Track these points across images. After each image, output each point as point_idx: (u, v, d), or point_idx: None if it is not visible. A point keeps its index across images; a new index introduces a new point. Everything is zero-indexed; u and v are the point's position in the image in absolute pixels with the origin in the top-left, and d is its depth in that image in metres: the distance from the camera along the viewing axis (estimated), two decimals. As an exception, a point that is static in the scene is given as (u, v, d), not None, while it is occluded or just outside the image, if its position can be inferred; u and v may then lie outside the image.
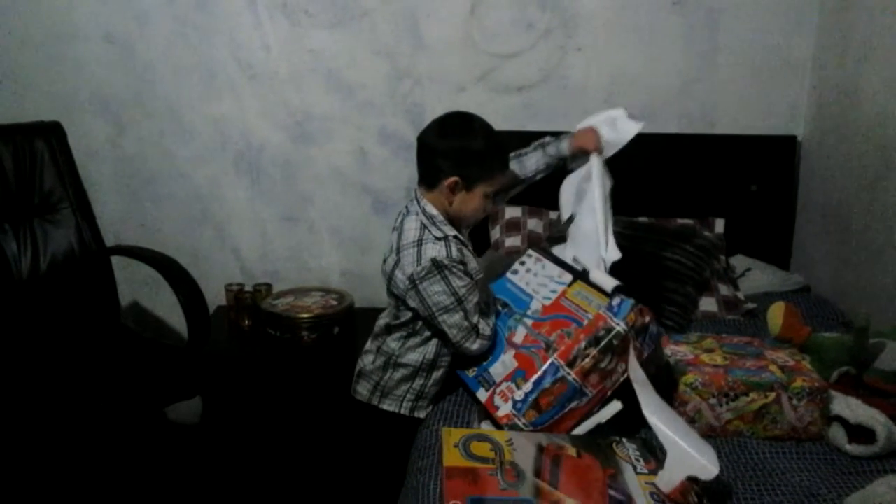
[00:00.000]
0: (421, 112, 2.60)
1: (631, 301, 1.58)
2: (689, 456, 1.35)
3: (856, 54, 2.28)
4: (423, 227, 1.71)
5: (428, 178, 1.74)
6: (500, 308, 1.85)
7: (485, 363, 1.73)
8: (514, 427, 1.52)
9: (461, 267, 1.69)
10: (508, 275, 1.95)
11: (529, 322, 1.73)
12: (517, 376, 1.60)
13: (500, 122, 2.56)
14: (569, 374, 1.52)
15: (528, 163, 1.95)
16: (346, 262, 2.77)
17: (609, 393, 1.55)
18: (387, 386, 1.82)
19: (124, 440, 2.25)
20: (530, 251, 1.97)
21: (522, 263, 1.95)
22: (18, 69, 2.57)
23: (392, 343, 1.81)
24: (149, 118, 2.62)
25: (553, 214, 2.51)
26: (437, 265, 1.66)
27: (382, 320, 1.87)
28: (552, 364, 1.55)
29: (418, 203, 1.75)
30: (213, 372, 2.38)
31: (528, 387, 1.55)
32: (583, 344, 1.54)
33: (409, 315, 1.77)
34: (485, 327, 1.72)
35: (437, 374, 1.81)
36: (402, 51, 2.55)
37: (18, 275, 2.28)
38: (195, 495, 2.33)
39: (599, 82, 2.58)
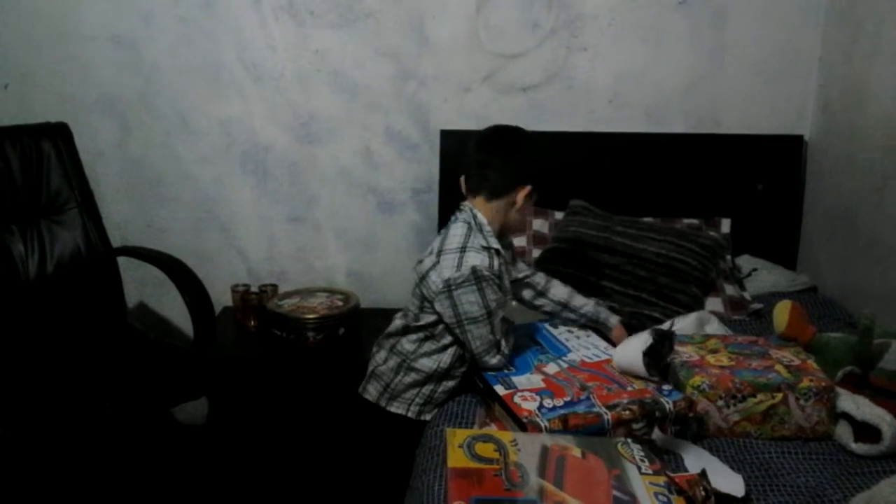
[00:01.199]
0: (426, 112, 2.60)
1: (682, 394, 1.59)
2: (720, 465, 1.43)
3: (863, 53, 2.27)
4: (470, 234, 1.72)
5: (493, 188, 1.76)
6: (529, 342, 1.88)
7: (507, 371, 1.74)
8: (533, 424, 1.50)
9: (497, 281, 1.71)
10: (547, 324, 1.98)
11: (565, 365, 1.75)
12: (543, 394, 1.61)
13: (505, 122, 2.58)
14: (605, 412, 1.52)
15: (579, 300, 1.97)
16: (351, 263, 2.77)
17: None
18: (396, 389, 1.82)
19: (131, 440, 2.26)
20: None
21: (564, 323, 1.99)
22: (25, 71, 2.57)
23: (407, 345, 1.81)
24: (155, 119, 2.63)
25: (558, 215, 2.51)
26: (476, 274, 1.67)
27: (400, 320, 1.86)
28: (589, 398, 1.57)
29: (470, 211, 1.76)
30: (220, 372, 2.39)
31: (559, 402, 1.56)
32: (625, 400, 1.56)
33: (431, 318, 1.77)
34: (505, 346, 1.74)
35: (448, 384, 1.81)
36: (407, 51, 2.55)
37: (25, 275, 2.29)
38: (202, 495, 2.34)
39: (605, 82, 2.58)
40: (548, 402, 1.56)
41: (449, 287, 1.68)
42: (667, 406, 1.54)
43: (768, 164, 2.58)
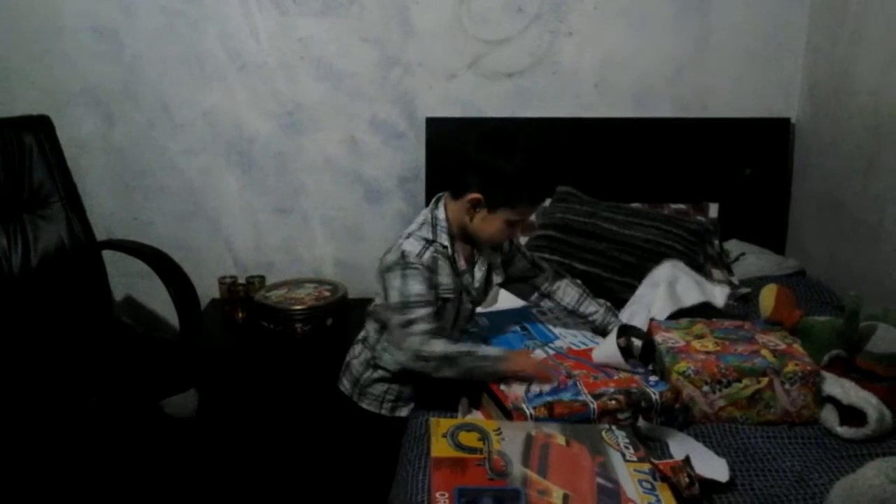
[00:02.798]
0: (411, 99, 2.58)
1: (668, 385, 1.58)
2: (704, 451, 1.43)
3: (849, 35, 2.26)
4: (423, 225, 1.69)
5: (454, 187, 1.70)
6: (518, 330, 1.85)
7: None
8: (518, 410, 1.49)
9: (426, 273, 1.63)
10: (535, 311, 1.96)
11: (551, 352, 1.72)
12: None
13: (491, 109, 2.59)
14: (591, 402, 1.50)
15: (589, 307, 1.90)
16: (339, 253, 2.76)
17: None
18: (365, 384, 1.80)
19: (119, 434, 2.25)
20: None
21: (552, 311, 1.96)
22: (5, 62, 2.55)
23: (374, 334, 1.79)
24: (139, 110, 2.60)
25: (545, 201, 2.49)
26: (402, 259, 1.63)
27: (370, 306, 1.84)
28: (575, 385, 1.55)
29: (435, 203, 1.72)
30: (208, 365, 2.38)
31: (546, 389, 1.55)
32: (612, 389, 1.54)
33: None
34: (429, 345, 1.59)
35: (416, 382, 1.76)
36: (391, 38, 2.53)
37: (9, 270, 2.27)
38: (191, 488, 2.33)
39: (591, 67, 2.57)
40: (535, 388, 1.55)
41: (382, 270, 1.67)
42: (653, 397, 1.53)
43: (755, 148, 2.57)
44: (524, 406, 1.49)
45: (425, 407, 1.69)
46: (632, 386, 1.56)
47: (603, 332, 1.85)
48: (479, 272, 1.76)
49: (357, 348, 1.85)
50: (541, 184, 1.70)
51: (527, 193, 1.65)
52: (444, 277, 1.68)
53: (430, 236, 1.67)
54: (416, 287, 1.61)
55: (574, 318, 1.91)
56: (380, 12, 2.51)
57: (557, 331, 1.85)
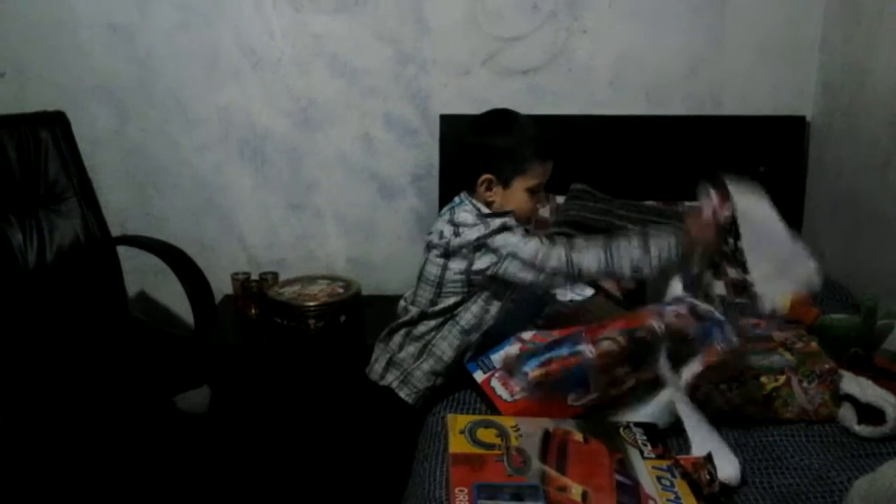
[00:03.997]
0: (426, 97, 2.58)
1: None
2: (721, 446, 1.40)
3: (865, 32, 2.25)
4: (481, 216, 1.70)
5: (466, 180, 1.73)
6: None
7: (488, 351, 1.72)
8: (515, 375, 1.52)
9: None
10: None
11: (541, 322, 1.75)
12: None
13: (505, 106, 2.56)
14: (589, 350, 1.50)
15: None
16: (352, 250, 2.76)
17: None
18: (413, 374, 1.77)
19: (133, 429, 2.26)
20: None
21: None
22: (21, 59, 2.56)
23: (423, 328, 1.77)
24: (153, 106, 2.61)
25: (559, 199, 2.49)
26: (506, 227, 1.65)
27: (414, 308, 1.80)
28: (579, 333, 1.54)
29: (466, 203, 1.73)
30: (221, 361, 2.38)
31: (541, 346, 1.56)
32: (616, 331, 1.53)
33: (450, 301, 1.73)
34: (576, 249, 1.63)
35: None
36: (405, 35, 2.53)
37: (25, 266, 2.28)
38: (204, 484, 2.34)
39: (605, 64, 2.56)
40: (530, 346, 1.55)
41: (481, 242, 1.65)
42: (657, 329, 1.51)
43: (770, 146, 2.56)
44: (521, 372, 1.51)
45: (446, 401, 1.70)
46: (636, 327, 1.53)
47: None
48: None
49: (397, 341, 1.81)
50: (539, 139, 1.71)
51: (530, 153, 1.68)
52: None
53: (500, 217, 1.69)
54: (532, 242, 1.64)
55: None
56: (394, 9, 2.51)
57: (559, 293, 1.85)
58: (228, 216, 2.73)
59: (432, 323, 1.77)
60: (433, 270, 1.75)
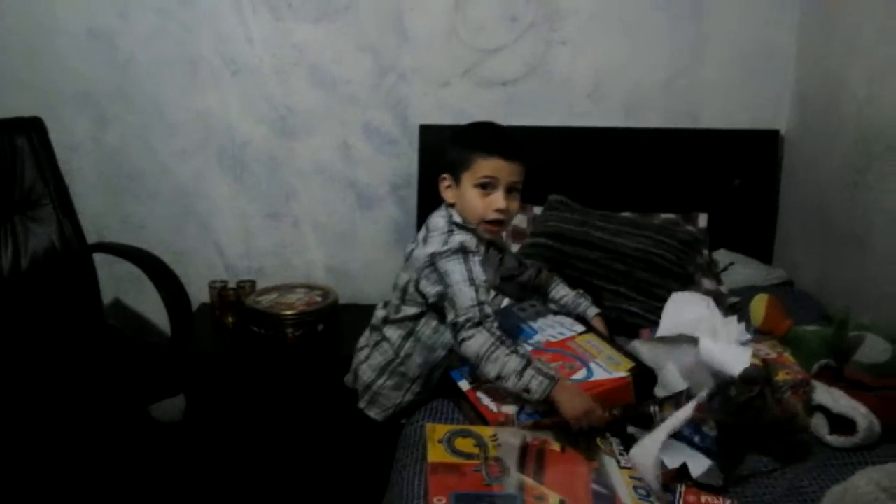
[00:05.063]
0: (405, 107, 2.59)
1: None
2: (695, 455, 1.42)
3: (839, 48, 2.30)
4: (451, 222, 1.70)
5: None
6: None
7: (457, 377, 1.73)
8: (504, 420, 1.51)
9: (484, 263, 1.68)
10: (516, 308, 1.96)
11: (529, 348, 1.71)
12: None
13: (484, 117, 2.52)
14: None
15: (558, 292, 1.95)
16: (330, 259, 2.76)
17: None
18: (378, 391, 1.77)
19: (107, 438, 2.24)
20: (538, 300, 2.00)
21: (532, 305, 1.96)
22: (-2, 64, 2.54)
23: (392, 335, 1.76)
24: (131, 113, 2.60)
25: (537, 209, 2.51)
26: (463, 248, 1.63)
27: (381, 311, 1.82)
28: None
29: (445, 209, 1.74)
30: (197, 370, 2.37)
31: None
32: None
33: (412, 311, 1.72)
34: (493, 324, 1.57)
35: (427, 386, 1.77)
36: (386, 45, 2.54)
37: (-1, 272, 2.26)
38: (179, 493, 2.32)
39: (584, 76, 2.59)
40: (528, 409, 1.54)
41: (433, 260, 1.64)
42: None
43: (745, 159, 2.60)
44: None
45: (425, 410, 1.70)
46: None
47: (579, 316, 1.89)
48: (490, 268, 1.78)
49: (363, 353, 1.82)
50: (485, 135, 1.72)
51: (470, 147, 1.68)
52: (489, 273, 1.72)
53: (468, 231, 1.69)
54: (478, 270, 1.63)
55: (549, 303, 1.95)
56: (375, 19, 2.52)
57: (537, 325, 1.84)
58: (206, 224, 2.71)
59: (395, 335, 1.75)
60: (402, 276, 1.75)
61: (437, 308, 1.69)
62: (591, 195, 2.50)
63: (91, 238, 2.47)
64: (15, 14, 2.49)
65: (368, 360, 1.79)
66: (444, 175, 1.71)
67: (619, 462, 1.39)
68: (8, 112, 2.37)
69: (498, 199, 1.67)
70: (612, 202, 2.50)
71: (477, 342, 1.53)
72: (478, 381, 1.64)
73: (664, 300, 2.13)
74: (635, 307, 2.13)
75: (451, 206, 1.72)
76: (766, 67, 2.57)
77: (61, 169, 2.39)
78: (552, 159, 2.55)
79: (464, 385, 1.65)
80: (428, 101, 2.59)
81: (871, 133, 2.10)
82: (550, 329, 1.81)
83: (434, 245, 1.66)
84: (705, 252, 2.46)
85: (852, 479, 1.29)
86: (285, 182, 2.67)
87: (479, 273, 1.62)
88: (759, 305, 1.88)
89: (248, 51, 2.55)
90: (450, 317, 1.60)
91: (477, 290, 1.59)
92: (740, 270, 2.48)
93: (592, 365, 1.61)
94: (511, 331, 1.80)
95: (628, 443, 1.46)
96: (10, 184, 2.30)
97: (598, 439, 1.44)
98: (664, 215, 2.52)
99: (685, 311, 1.77)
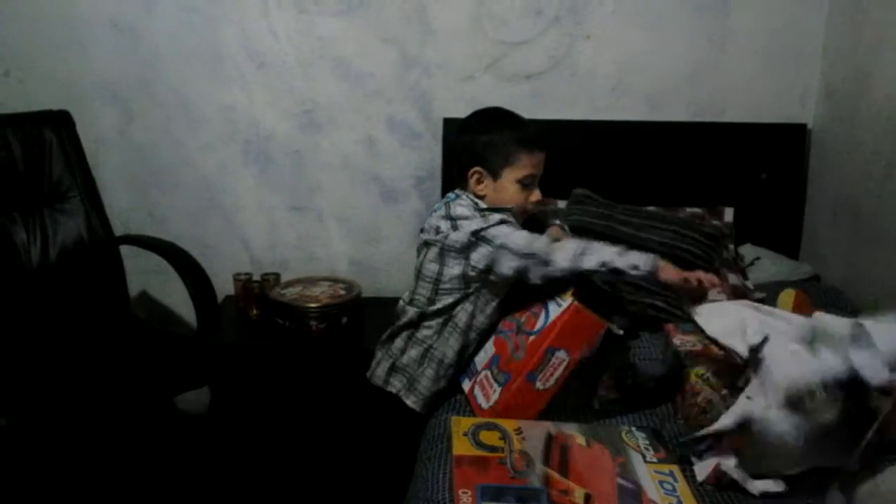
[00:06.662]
0: (429, 101, 2.59)
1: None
2: None
3: (868, 40, 2.27)
4: (479, 209, 1.71)
5: (458, 176, 1.75)
6: None
7: (474, 355, 1.74)
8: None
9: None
10: None
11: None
12: (493, 363, 1.62)
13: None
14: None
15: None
16: (354, 252, 2.76)
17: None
18: (420, 382, 1.78)
19: (133, 429, 2.26)
20: None
21: None
22: (25, 58, 2.56)
23: (426, 331, 1.78)
24: (157, 106, 2.62)
25: (561, 203, 2.50)
26: (504, 221, 1.66)
27: (412, 309, 1.81)
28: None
29: (457, 198, 1.75)
30: (222, 361, 2.39)
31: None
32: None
33: (448, 300, 1.74)
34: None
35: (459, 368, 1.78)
36: (410, 38, 2.54)
37: (28, 264, 2.29)
38: (203, 484, 2.34)
39: (608, 70, 2.57)
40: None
41: (477, 235, 1.66)
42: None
43: (771, 153, 2.57)
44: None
45: (449, 404, 1.71)
46: None
47: None
48: None
49: (399, 345, 1.83)
50: (524, 131, 1.73)
51: (515, 144, 1.70)
52: None
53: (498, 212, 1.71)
54: (523, 232, 1.65)
55: None
56: (399, 13, 2.52)
57: None
58: (231, 217, 2.73)
59: (433, 325, 1.77)
60: (431, 268, 1.76)
61: (484, 283, 1.71)
62: (616, 189, 2.49)
63: (118, 230, 2.50)
64: (41, 8, 2.52)
65: (407, 353, 1.80)
66: (478, 169, 1.71)
67: (644, 457, 1.38)
68: (36, 105, 2.40)
69: (537, 193, 1.75)
70: (636, 196, 2.48)
71: (566, 248, 1.60)
72: (475, 377, 1.65)
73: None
74: (660, 301, 2.12)
75: (480, 197, 1.72)
76: (792, 60, 2.55)
77: (88, 162, 2.42)
78: (576, 153, 2.54)
79: (465, 385, 1.67)
80: (451, 95, 2.58)
81: (901, 126, 2.08)
82: None
83: (475, 224, 1.67)
84: (731, 247, 2.44)
85: (884, 475, 1.28)
86: (310, 175, 2.68)
87: (520, 234, 1.65)
88: (786, 300, 1.87)
89: (273, 44, 2.56)
90: (512, 262, 1.63)
91: (528, 233, 1.64)
92: (767, 265, 2.46)
93: (549, 304, 1.60)
94: None
95: (653, 438, 1.45)
96: (39, 177, 2.33)
97: (623, 434, 1.44)
98: (690, 209, 2.50)
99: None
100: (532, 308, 1.64)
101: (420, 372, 1.78)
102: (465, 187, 1.77)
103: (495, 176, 1.71)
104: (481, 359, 1.69)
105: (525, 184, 1.72)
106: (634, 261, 1.57)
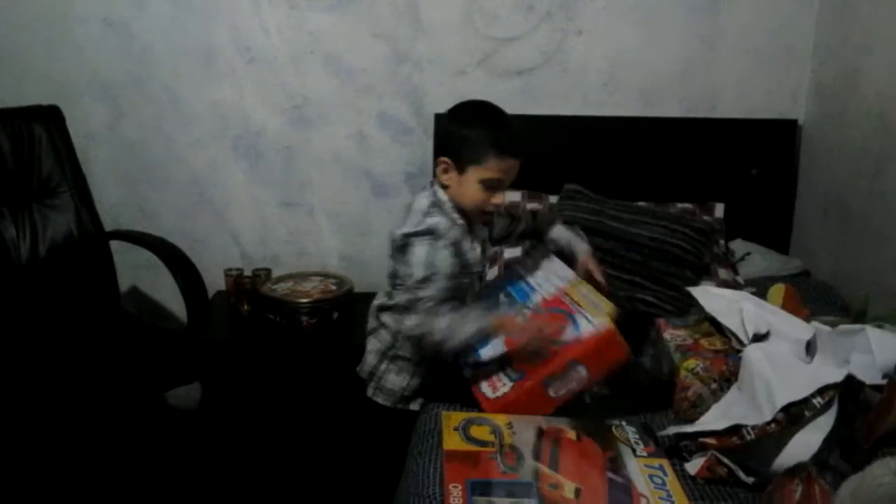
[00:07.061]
0: (421, 96, 2.59)
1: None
2: None
3: (858, 37, 2.27)
4: (434, 205, 1.69)
5: (434, 161, 1.74)
6: (502, 297, 1.84)
7: (478, 347, 1.73)
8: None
9: (454, 248, 1.66)
10: (518, 268, 1.95)
11: (528, 312, 1.71)
12: (505, 363, 1.60)
13: (499, 106, 2.57)
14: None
15: (555, 233, 1.94)
16: (345, 247, 2.76)
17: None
18: (380, 376, 1.79)
19: (124, 424, 2.26)
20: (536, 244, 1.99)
21: (528, 254, 1.97)
22: (16, 53, 2.55)
23: (388, 320, 1.77)
24: (147, 102, 2.61)
25: (552, 199, 2.50)
26: (432, 231, 1.63)
27: (376, 301, 1.84)
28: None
29: (431, 189, 1.73)
30: (213, 357, 2.39)
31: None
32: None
33: (401, 298, 1.71)
34: (430, 313, 1.61)
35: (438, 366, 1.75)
36: (401, 34, 2.54)
37: (17, 259, 2.28)
38: (194, 479, 2.34)
39: (599, 66, 2.57)
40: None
41: (405, 240, 1.65)
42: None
43: (762, 149, 2.58)
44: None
45: (435, 400, 1.70)
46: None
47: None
48: (478, 247, 1.78)
49: (370, 341, 1.84)
50: (502, 135, 1.67)
51: (489, 147, 1.64)
52: (470, 253, 1.72)
53: (451, 215, 1.69)
54: (442, 260, 1.63)
55: (554, 247, 1.93)
56: (390, 8, 2.51)
57: (535, 281, 1.82)
58: (222, 212, 2.73)
59: (392, 322, 1.76)
60: (390, 262, 1.76)
61: None
62: (607, 185, 2.49)
63: (108, 226, 2.49)
64: (32, 3, 2.51)
65: (368, 348, 1.82)
66: (445, 159, 1.67)
67: (634, 451, 1.39)
68: (26, 100, 2.39)
69: (500, 196, 1.69)
70: (627, 192, 2.49)
71: (409, 328, 1.63)
72: (478, 369, 1.64)
73: (679, 290, 2.14)
74: (650, 296, 2.13)
75: (445, 187, 1.71)
76: (783, 56, 2.55)
77: (78, 157, 2.41)
78: (568, 149, 2.55)
79: (467, 372, 1.65)
80: (443, 91, 2.58)
81: (891, 123, 2.09)
82: (546, 283, 1.78)
83: (409, 225, 1.67)
84: (721, 242, 2.45)
85: (870, 469, 1.28)
86: (300, 171, 2.68)
87: (443, 259, 1.63)
88: (776, 295, 1.87)
89: (264, 40, 2.55)
90: (396, 297, 1.68)
91: (427, 276, 1.62)
92: (757, 260, 2.47)
93: (577, 317, 1.58)
94: (513, 297, 1.81)
95: (643, 432, 1.45)
96: (29, 172, 2.32)
97: (613, 428, 1.44)
98: (680, 205, 2.51)
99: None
100: (558, 317, 1.62)
101: (383, 370, 1.79)
102: (435, 174, 1.75)
103: (461, 170, 1.66)
104: (487, 351, 1.67)
105: (488, 185, 1.67)
106: (477, 326, 1.61)
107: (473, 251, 1.74)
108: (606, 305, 1.59)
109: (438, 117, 2.55)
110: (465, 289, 1.74)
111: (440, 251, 1.64)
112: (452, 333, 1.59)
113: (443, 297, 1.63)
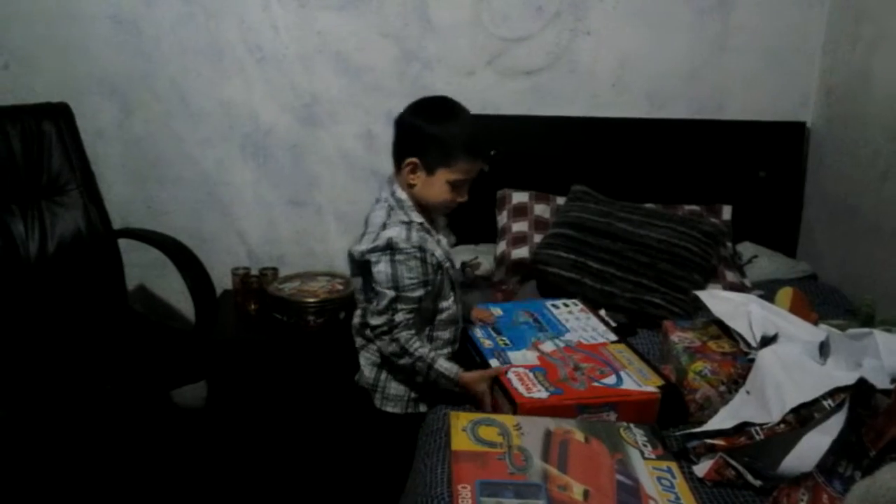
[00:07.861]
0: (429, 95, 2.58)
1: None
2: None
3: (867, 39, 2.27)
4: (390, 212, 1.68)
5: (395, 159, 1.72)
6: (530, 321, 1.88)
7: (503, 346, 1.74)
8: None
9: (419, 254, 1.64)
10: (548, 303, 2.00)
11: (562, 344, 1.75)
12: (536, 371, 1.62)
13: (508, 106, 2.59)
14: None
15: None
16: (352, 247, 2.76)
17: None
18: (384, 386, 1.79)
19: (130, 423, 2.26)
20: (577, 301, 2.03)
21: (566, 305, 1.99)
22: (25, 50, 2.55)
23: (371, 335, 1.76)
24: (156, 100, 2.61)
25: (560, 200, 2.50)
26: (390, 246, 1.63)
27: (356, 319, 1.82)
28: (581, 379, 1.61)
29: (389, 187, 1.72)
30: (220, 356, 2.39)
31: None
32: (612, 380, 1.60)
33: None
34: (413, 342, 1.66)
35: (442, 365, 1.72)
36: (410, 33, 2.54)
37: (26, 256, 2.28)
38: (200, 478, 2.35)
39: (608, 66, 2.57)
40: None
41: (363, 257, 1.66)
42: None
43: (770, 151, 2.58)
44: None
45: (442, 402, 1.70)
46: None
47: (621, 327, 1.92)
48: (443, 238, 1.76)
49: (363, 356, 1.84)
50: (473, 136, 1.67)
51: (460, 149, 1.64)
52: (436, 251, 1.70)
53: (405, 218, 1.67)
54: (406, 272, 1.64)
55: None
56: (399, 7, 2.51)
57: (570, 324, 1.87)
58: (229, 211, 2.73)
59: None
60: (357, 279, 1.77)
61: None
62: (615, 186, 2.49)
63: (116, 224, 2.49)
64: (41, 2, 2.50)
65: (363, 362, 1.82)
66: (414, 160, 1.65)
67: (642, 453, 1.39)
68: (35, 98, 2.40)
69: (464, 194, 1.70)
70: (635, 193, 2.49)
71: (386, 350, 1.68)
72: (508, 365, 1.65)
73: (687, 292, 2.14)
74: (658, 298, 2.13)
75: (411, 186, 1.69)
76: (792, 59, 2.55)
77: (87, 155, 2.41)
78: (575, 150, 2.55)
79: (494, 363, 1.66)
80: (451, 90, 2.53)
81: (901, 126, 2.08)
82: (583, 331, 1.84)
83: (365, 243, 1.67)
84: (729, 244, 2.45)
85: (879, 474, 1.28)
86: (308, 170, 2.68)
87: (405, 273, 1.64)
88: (783, 298, 1.87)
89: (273, 38, 2.55)
90: (369, 318, 1.69)
91: (397, 295, 1.64)
92: (764, 263, 2.47)
93: (623, 374, 1.62)
94: (543, 324, 1.86)
95: (651, 435, 1.45)
96: (38, 169, 2.32)
97: (621, 430, 1.44)
98: (688, 207, 2.51)
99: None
100: (596, 361, 1.67)
101: (384, 380, 1.79)
102: (397, 171, 1.72)
103: (430, 171, 1.65)
104: (518, 358, 1.68)
105: (455, 185, 1.66)
106: (437, 380, 1.68)
107: (439, 245, 1.73)
108: (654, 378, 1.61)
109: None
110: (438, 286, 1.72)
111: (401, 266, 1.64)
112: (424, 366, 1.66)
113: (417, 307, 1.67)
